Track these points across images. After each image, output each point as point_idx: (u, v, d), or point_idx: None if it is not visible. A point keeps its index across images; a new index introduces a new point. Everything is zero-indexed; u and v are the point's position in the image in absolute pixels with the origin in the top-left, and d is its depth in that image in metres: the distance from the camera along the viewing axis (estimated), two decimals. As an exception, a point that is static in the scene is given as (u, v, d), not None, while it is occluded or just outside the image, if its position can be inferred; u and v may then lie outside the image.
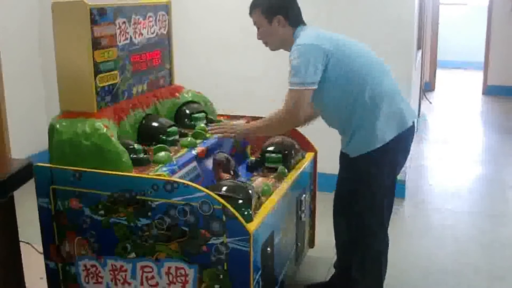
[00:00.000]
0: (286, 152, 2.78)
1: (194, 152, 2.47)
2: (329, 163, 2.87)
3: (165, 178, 2.13)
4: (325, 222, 2.95)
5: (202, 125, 2.76)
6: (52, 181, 2.27)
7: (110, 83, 2.41)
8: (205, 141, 2.60)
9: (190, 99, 2.92)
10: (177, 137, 2.58)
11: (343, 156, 2.54)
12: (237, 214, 2.04)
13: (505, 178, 4.79)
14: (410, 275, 3.08)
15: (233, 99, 3.92)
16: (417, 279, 3.05)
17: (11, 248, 2.02)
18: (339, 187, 2.69)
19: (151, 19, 2.71)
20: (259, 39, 2.52)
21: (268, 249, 2.27)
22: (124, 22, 2.48)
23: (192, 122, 2.80)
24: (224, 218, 2.04)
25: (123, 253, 2.23)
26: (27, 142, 4.25)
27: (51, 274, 2.40)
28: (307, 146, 3.00)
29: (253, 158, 2.91)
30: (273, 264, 2.36)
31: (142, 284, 2.23)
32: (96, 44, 2.30)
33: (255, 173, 2.77)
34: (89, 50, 2.27)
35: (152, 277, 2.21)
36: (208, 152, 2.55)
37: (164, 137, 2.55)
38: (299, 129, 2.90)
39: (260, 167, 2.81)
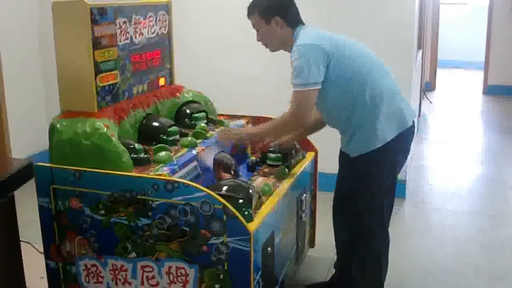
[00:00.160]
0: (287, 152, 2.78)
1: (194, 151, 2.47)
2: (330, 163, 2.87)
3: (166, 178, 2.13)
4: (326, 222, 2.95)
5: (203, 124, 2.76)
6: (52, 181, 2.27)
7: (110, 83, 2.41)
8: (205, 140, 2.60)
9: (190, 99, 2.92)
10: (177, 137, 2.58)
11: (343, 156, 2.54)
12: (237, 213, 2.04)
13: (505, 178, 4.79)
14: (410, 275, 3.08)
15: (233, 99, 3.92)
16: (417, 279, 3.05)
17: (11, 247, 2.01)
18: (339, 186, 2.69)
19: (151, 19, 2.71)
20: (258, 40, 2.52)
21: (269, 249, 2.27)
22: (124, 22, 2.48)
23: (193, 122, 2.80)
24: (224, 217, 2.04)
25: (123, 253, 2.23)
26: (27, 142, 4.25)
27: (51, 274, 2.40)
28: (307, 146, 3.00)
29: (253, 158, 2.91)
30: (273, 264, 2.36)
31: (142, 283, 2.23)
32: (96, 43, 2.30)
33: (255, 173, 2.77)
34: (90, 50, 2.27)
35: (153, 277, 2.21)
36: (208, 152, 2.55)
37: (164, 137, 2.54)
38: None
39: (260, 166, 2.81)
